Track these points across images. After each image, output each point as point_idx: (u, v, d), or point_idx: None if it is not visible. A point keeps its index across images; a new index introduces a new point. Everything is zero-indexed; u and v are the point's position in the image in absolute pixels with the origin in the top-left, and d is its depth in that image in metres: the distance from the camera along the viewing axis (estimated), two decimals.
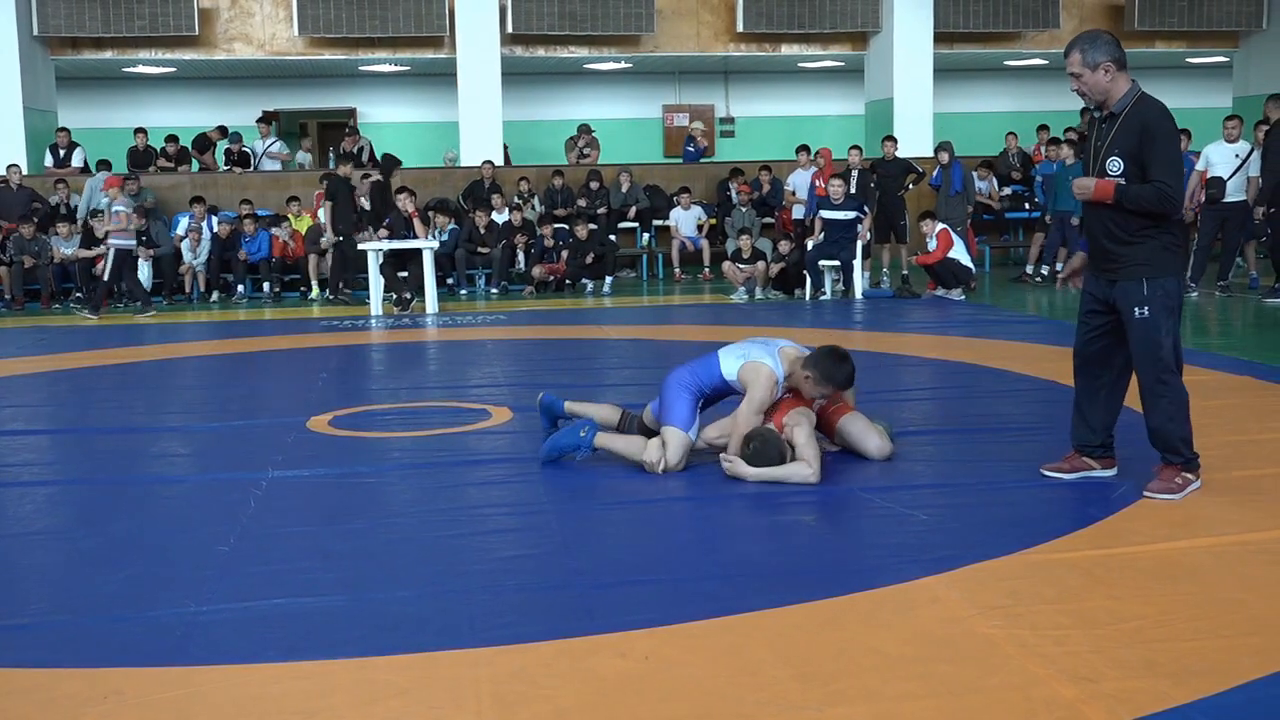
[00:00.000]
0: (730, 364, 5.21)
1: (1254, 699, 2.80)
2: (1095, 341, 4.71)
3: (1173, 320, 4.50)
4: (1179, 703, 2.77)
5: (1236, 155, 11.75)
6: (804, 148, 15.32)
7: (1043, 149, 15.33)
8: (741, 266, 12.94)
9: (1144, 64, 19.34)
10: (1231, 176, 11.67)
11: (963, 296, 12.33)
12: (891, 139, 14.46)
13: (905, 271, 13.57)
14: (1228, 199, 11.70)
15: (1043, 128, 16.05)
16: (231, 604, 3.59)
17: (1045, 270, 13.64)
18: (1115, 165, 4.47)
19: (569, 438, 5.28)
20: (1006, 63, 20.09)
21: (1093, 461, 4.81)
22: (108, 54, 16.52)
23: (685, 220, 15.40)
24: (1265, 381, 6.92)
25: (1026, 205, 15.98)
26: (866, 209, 12.87)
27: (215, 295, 14.15)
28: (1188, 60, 19.84)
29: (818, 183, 14.18)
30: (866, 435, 5.27)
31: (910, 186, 14.18)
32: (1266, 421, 5.85)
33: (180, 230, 14.34)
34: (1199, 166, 11.93)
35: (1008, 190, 16.21)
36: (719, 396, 5.34)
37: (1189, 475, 4.55)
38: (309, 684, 3.00)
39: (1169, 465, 4.57)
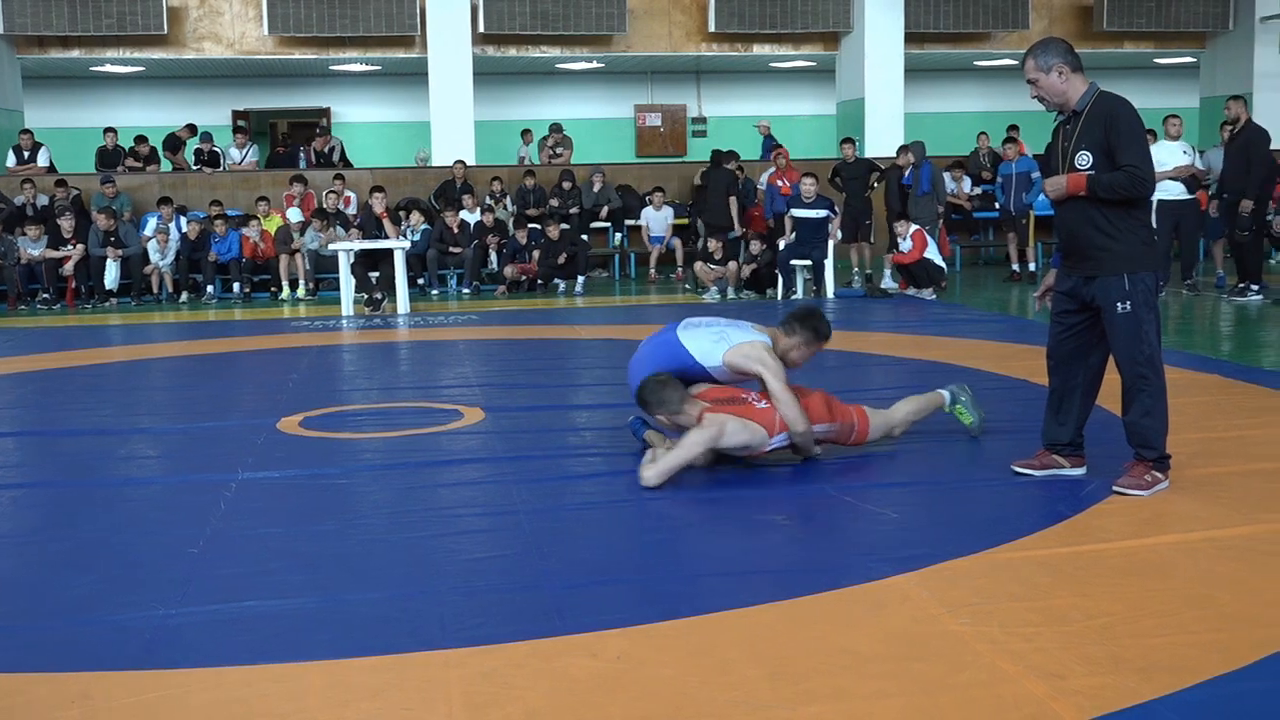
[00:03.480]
0: (706, 348, 5.14)
1: (1220, 695, 2.83)
2: (1069, 340, 4.73)
3: (1153, 315, 4.54)
4: (1146, 698, 2.80)
5: (1184, 153, 11.90)
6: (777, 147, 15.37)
7: (1007, 148, 15.34)
8: (713, 266, 12.96)
9: (1112, 64, 19.51)
10: (1179, 176, 11.82)
11: (934, 296, 12.39)
12: (849, 141, 14.55)
13: (869, 271, 13.63)
14: (1177, 197, 11.80)
15: (1013, 128, 16.14)
16: (201, 607, 3.57)
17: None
18: (1084, 159, 4.51)
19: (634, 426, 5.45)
20: (976, 63, 20.21)
21: (1062, 460, 4.84)
22: (75, 53, 16.40)
23: (656, 220, 15.38)
24: (1231, 379, 6.98)
25: (997, 205, 16.06)
26: (837, 209, 12.94)
27: (184, 296, 14.05)
28: (1155, 61, 20.01)
29: (779, 182, 14.23)
30: (885, 418, 5.33)
31: (875, 186, 14.24)
32: (1233, 419, 5.91)
33: (148, 231, 14.23)
34: None
35: (978, 190, 16.28)
36: (691, 380, 5.26)
37: (1158, 474, 4.58)
38: (280, 687, 2.99)
39: (1140, 462, 4.60)
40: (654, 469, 4.84)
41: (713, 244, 13.20)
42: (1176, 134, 11.98)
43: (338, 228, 13.75)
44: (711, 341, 5.15)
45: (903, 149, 13.95)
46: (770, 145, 17.60)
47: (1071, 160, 4.55)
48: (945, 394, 5.60)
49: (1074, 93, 4.56)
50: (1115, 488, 4.55)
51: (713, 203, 14.34)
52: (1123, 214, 4.49)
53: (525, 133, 17.97)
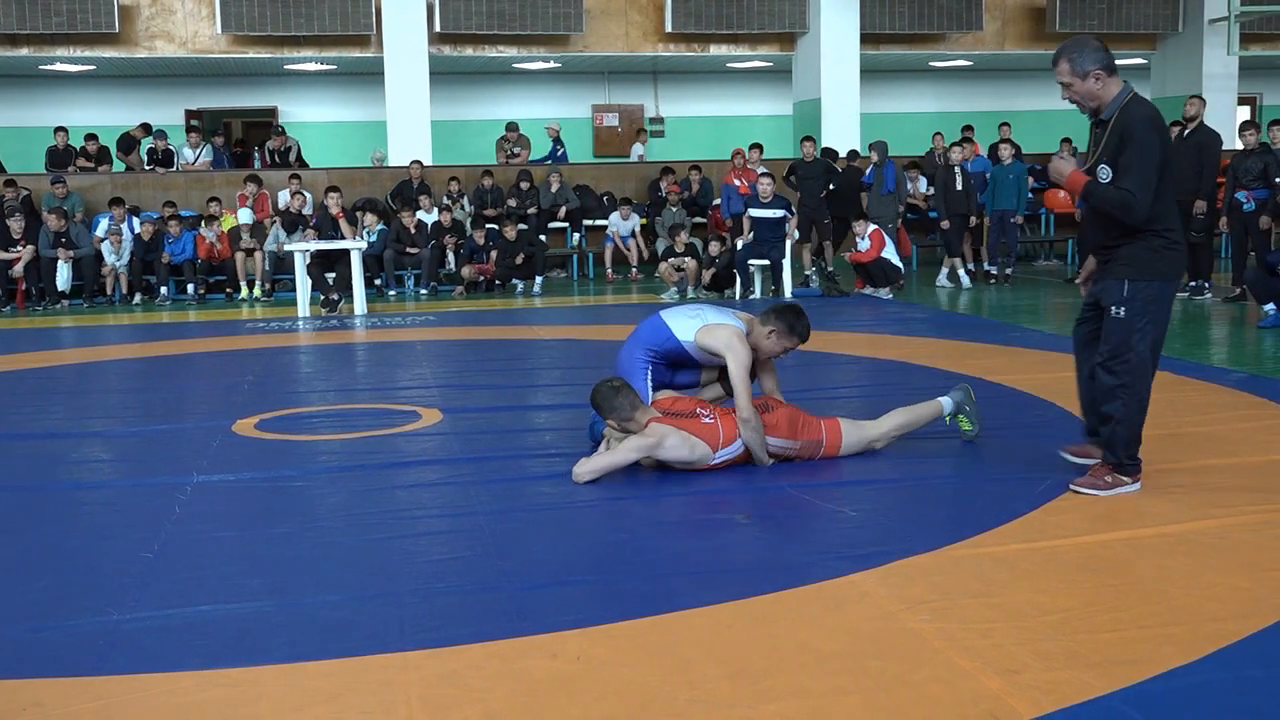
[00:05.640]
0: (683, 325, 5.23)
1: (1174, 688, 2.86)
2: (1084, 326, 4.71)
3: (1151, 324, 4.42)
4: (1101, 693, 2.82)
5: None
6: (756, 147, 15.34)
7: (962, 148, 15.45)
8: (676, 264, 12.97)
9: None
10: None
11: (890, 295, 12.47)
12: (810, 140, 14.59)
13: (831, 268, 13.70)
14: None
15: (968, 128, 16.28)
16: (155, 611, 3.53)
17: (994, 269, 13.76)
18: (1104, 174, 4.40)
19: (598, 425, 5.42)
20: (931, 64, 20.36)
21: (1095, 450, 4.73)
22: (24, 51, 16.17)
23: (624, 229, 15.39)
24: (1183, 377, 7.07)
25: None
26: (794, 209, 12.99)
27: (138, 298, 13.90)
28: None
29: (737, 181, 14.29)
30: (863, 431, 5.28)
31: (832, 187, 14.30)
32: (1184, 416, 5.98)
33: (100, 232, 14.06)
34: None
35: (934, 190, 16.37)
36: (678, 363, 5.35)
37: (1122, 477, 4.55)
38: (235, 691, 2.96)
39: (1103, 464, 4.59)
40: (587, 465, 4.92)
41: (676, 241, 13.24)
42: None
43: (277, 228, 13.67)
44: (689, 319, 5.27)
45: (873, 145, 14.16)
46: (556, 149, 17.71)
47: (1094, 173, 4.45)
48: (946, 402, 5.45)
49: (1108, 97, 4.44)
50: (1071, 486, 4.58)
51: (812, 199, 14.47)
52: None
53: (640, 132, 18.24)
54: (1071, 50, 4.48)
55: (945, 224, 13.56)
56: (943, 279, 13.48)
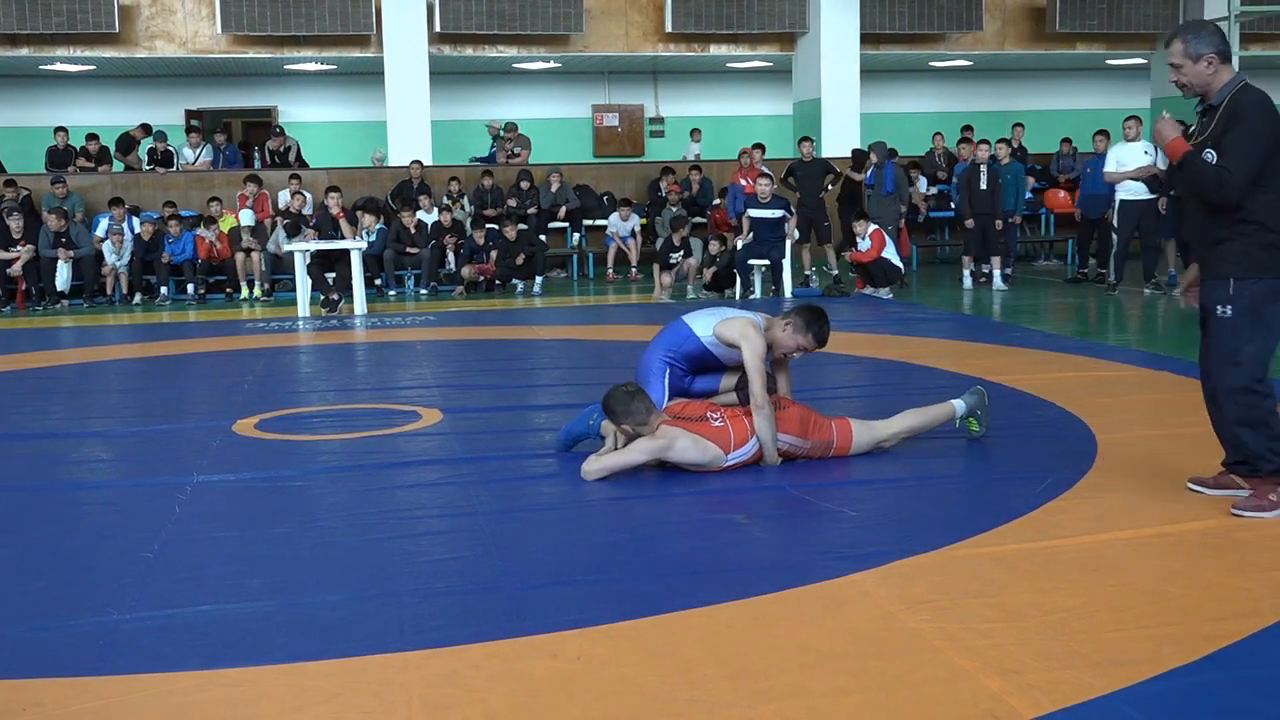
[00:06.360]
0: (702, 323, 5.35)
1: (1174, 688, 2.86)
2: (1203, 343, 4.44)
3: (1261, 328, 4.18)
4: (1101, 693, 2.82)
5: (1145, 153, 12.01)
6: (759, 147, 15.32)
7: (962, 149, 15.44)
8: (673, 259, 12.95)
9: (1065, 65, 19.70)
10: (1141, 176, 11.95)
11: (890, 295, 12.46)
12: (808, 140, 14.58)
13: (835, 271, 13.68)
14: (1139, 197, 11.96)
15: (968, 128, 16.28)
16: (155, 611, 3.53)
17: (989, 270, 13.65)
18: (1209, 157, 4.22)
19: (580, 425, 5.42)
20: (931, 64, 20.35)
21: (1238, 480, 4.40)
22: (24, 51, 16.16)
23: (624, 229, 15.39)
24: (1181, 376, 7.06)
25: (952, 205, 16.18)
26: (793, 209, 12.98)
27: (138, 297, 13.90)
28: (1107, 62, 20.23)
29: (744, 181, 14.29)
30: (874, 432, 5.30)
31: (829, 187, 14.29)
32: (1184, 416, 5.96)
33: (100, 232, 14.06)
34: (1108, 168, 12.25)
35: (934, 190, 16.39)
36: (697, 366, 5.42)
37: None
38: (235, 691, 2.96)
39: (1259, 478, 4.24)
40: (597, 464, 4.98)
41: (676, 236, 13.25)
42: (1135, 135, 12.12)
43: (278, 228, 13.65)
44: (708, 318, 5.40)
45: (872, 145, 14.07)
46: (492, 147, 17.80)
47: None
48: (959, 405, 5.45)
49: (1218, 84, 4.27)
50: (1234, 510, 4.23)
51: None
52: (1234, 217, 4.18)
53: (694, 131, 18.90)
54: (1188, 32, 4.33)
55: (970, 223, 13.14)
56: (998, 281, 13.09)
